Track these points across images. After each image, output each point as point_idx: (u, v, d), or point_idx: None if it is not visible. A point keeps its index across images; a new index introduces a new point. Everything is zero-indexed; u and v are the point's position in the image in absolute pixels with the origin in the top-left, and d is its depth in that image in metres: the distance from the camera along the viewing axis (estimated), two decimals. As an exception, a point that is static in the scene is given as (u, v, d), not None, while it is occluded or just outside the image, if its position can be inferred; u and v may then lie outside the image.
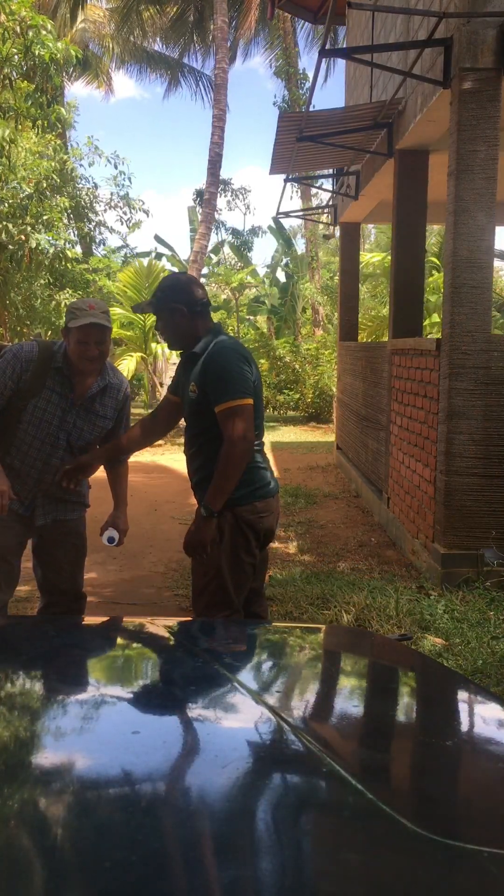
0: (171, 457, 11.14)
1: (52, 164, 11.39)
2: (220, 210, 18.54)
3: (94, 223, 14.39)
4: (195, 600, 2.81)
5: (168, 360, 13.95)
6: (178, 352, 2.90)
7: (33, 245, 10.64)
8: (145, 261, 16.85)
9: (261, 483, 2.71)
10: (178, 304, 2.68)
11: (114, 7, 19.58)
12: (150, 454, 11.58)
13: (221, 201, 15.96)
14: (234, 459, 2.56)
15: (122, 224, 15.09)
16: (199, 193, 19.17)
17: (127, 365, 13.57)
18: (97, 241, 15.68)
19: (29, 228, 10.59)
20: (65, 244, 11.60)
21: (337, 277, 12.60)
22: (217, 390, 2.57)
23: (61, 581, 3.02)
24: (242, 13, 18.73)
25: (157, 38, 21.16)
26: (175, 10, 19.62)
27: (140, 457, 11.25)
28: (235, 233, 20.42)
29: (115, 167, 14.82)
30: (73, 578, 3.06)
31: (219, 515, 2.65)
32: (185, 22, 19.91)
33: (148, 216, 15.15)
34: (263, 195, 46.95)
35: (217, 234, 19.99)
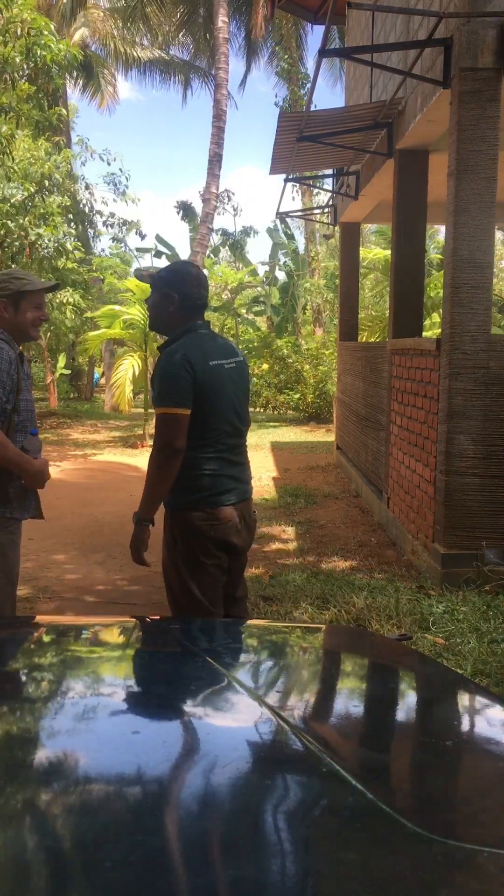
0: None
1: (52, 164, 11.43)
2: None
3: (94, 228, 14.49)
4: (168, 604, 2.81)
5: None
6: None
7: (33, 238, 10.63)
8: (147, 257, 16.88)
9: (216, 490, 2.59)
10: (173, 291, 2.60)
11: (113, 8, 19.56)
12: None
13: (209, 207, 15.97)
14: (154, 468, 2.54)
15: (114, 241, 15.49)
16: (182, 205, 19.87)
17: (130, 363, 13.52)
18: (97, 247, 15.80)
19: (28, 224, 10.60)
20: (63, 237, 11.58)
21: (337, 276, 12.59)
22: (155, 395, 2.55)
23: None
24: (251, 17, 18.69)
25: (159, 40, 21.14)
26: (173, 10, 19.61)
27: (139, 458, 11.24)
28: (225, 234, 20.44)
29: (108, 164, 14.98)
30: None
31: (171, 519, 2.65)
32: (184, 23, 19.89)
33: (140, 237, 15.53)
34: (261, 195, 46.99)
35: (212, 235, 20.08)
